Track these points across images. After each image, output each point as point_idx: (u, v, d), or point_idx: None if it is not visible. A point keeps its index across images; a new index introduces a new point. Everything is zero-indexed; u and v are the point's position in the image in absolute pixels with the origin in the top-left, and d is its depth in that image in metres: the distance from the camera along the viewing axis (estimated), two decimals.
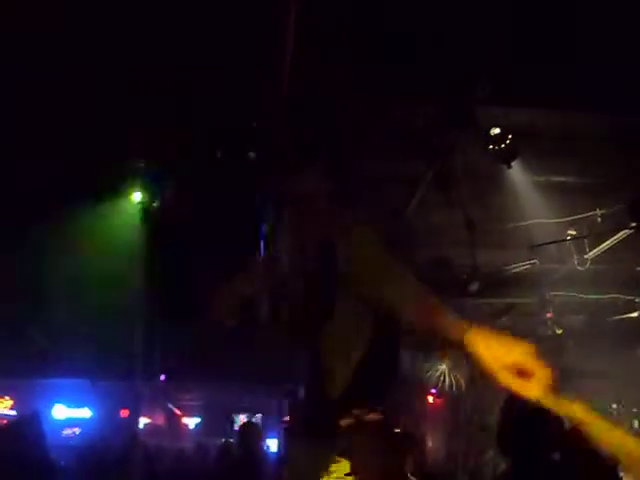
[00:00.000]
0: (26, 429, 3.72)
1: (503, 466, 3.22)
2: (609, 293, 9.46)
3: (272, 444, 14.37)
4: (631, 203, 6.83)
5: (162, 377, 13.69)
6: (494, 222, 7.83)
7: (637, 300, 9.53)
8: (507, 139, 6.16)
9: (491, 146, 6.24)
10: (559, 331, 10.26)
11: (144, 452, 10.40)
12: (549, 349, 11.43)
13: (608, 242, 8.42)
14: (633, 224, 7.80)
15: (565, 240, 8.35)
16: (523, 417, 2.83)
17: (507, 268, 8.95)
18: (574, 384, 11.69)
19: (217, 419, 17.55)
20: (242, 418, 17.48)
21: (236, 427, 18.29)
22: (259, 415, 18.30)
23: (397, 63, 5.67)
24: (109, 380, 13.88)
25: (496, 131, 6.20)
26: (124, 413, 15.34)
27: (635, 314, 9.84)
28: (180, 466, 10.96)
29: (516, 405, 2.88)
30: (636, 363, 12.40)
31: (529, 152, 6.42)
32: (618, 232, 8.06)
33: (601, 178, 7.01)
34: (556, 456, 2.91)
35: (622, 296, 9.71)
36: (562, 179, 7.16)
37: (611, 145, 6.35)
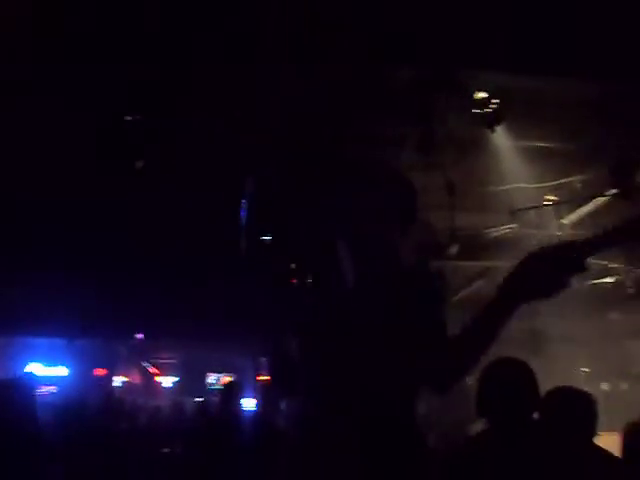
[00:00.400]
0: (15, 393, 3.67)
1: (478, 427, 3.28)
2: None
3: (247, 403, 14.44)
4: (612, 169, 6.86)
5: (139, 336, 13.69)
6: (475, 186, 7.85)
7: (611, 265, 9.64)
8: (492, 103, 6.15)
9: (476, 110, 6.23)
10: None
11: (120, 410, 10.44)
12: (522, 313, 11.58)
13: (586, 208, 8.51)
14: (611, 190, 7.88)
15: (545, 205, 8.41)
16: (502, 383, 2.90)
17: (486, 232, 9.00)
18: (545, 347, 11.91)
19: (193, 378, 17.64)
20: (223, 377, 17.60)
21: (210, 386, 18.48)
22: (233, 374, 18.40)
23: (381, 27, 5.64)
24: (86, 339, 13.87)
25: (481, 95, 6.18)
26: (100, 372, 15.37)
27: (609, 279, 9.98)
28: (156, 424, 10.99)
29: (495, 372, 2.93)
30: (607, 328, 12.63)
31: (513, 116, 6.42)
32: (597, 198, 8.15)
33: (583, 144, 7.03)
34: (534, 419, 2.97)
35: (597, 261, 9.83)
36: (545, 144, 7.17)
37: (594, 111, 6.36)
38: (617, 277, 9.94)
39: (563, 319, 12.25)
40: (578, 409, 3.15)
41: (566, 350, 11.84)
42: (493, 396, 2.87)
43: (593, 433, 3.18)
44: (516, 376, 2.88)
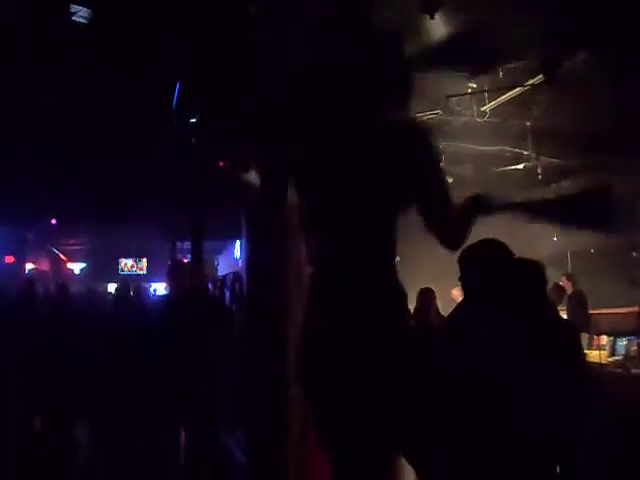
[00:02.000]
0: None
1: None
2: (500, 145, 9.89)
3: (159, 287, 14.45)
4: (542, 58, 7.01)
5: (53, 221, 13.26)
6: None
7: (525, 153, 10.00)
8: None
9: None
10: (450, 180, 10.64)
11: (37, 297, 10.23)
12: None
13: (506, 96, 8.72)
14: (531, 80, 8.10)
15: (467, 93, 8.59)
16: (479, 260, 3.17)
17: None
18: None
19: (104, 264, 17.39)
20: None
21: (122, 271, 18.33)
22: (144, 259, 18.30)
23: None
24: None
25: None
26: (9, 259, 14.83)
27: (521, 165, 10.37)
28: (74, 310, 10.86)
29: (472, 251, 3.16)
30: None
31: (450, 5, 6.40)
32: (517, 87, 8.37)
33: (512, 34, 7.10)
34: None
35: (510, 148, 10.18)
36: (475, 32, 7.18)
37: (527, 6, 6.41)
38: (527, 164, 10.33)
39: None
40: (536, 275, 3.41)
41: (474, 233, 12.36)
42: (471, 272, 3.11)
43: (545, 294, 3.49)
44: (492, 253, 3.13)
